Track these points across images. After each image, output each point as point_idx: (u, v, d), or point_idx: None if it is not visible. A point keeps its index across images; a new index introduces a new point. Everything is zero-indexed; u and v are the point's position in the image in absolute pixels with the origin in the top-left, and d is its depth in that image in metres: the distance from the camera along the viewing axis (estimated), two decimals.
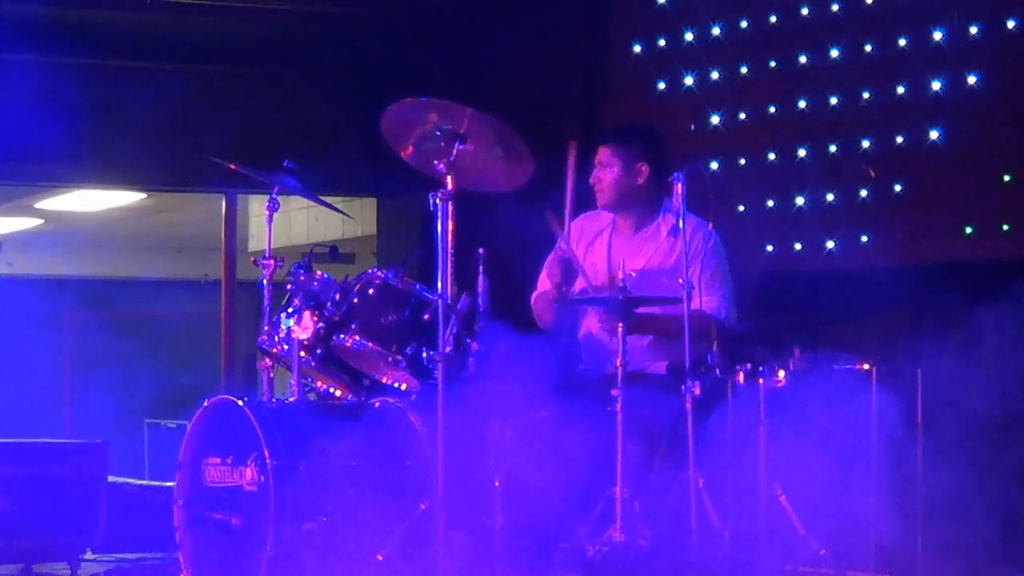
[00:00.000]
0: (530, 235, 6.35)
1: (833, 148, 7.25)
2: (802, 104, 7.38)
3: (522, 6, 8.90)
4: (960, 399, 6.06)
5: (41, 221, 14.85)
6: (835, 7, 7.26)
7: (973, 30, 6.74)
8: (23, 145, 9.14)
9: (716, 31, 7.82)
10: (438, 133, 5.70)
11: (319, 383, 6.28)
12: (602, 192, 6.26)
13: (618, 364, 5.52)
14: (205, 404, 6.07)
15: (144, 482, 8.45)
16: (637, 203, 6.25)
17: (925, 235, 6.86)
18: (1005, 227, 6.61)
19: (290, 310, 6.05)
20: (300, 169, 6.39)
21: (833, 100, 7.25)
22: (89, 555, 7.17)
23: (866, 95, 7.12)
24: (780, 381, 5.60)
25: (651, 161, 6.20)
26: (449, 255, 5.53)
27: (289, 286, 6.13)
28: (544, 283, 6.34)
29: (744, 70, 7.68)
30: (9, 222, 14.89)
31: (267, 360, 6.26)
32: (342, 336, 5.88)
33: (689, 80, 7.93)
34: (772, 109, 7.53)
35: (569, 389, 5.64)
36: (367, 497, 5.68)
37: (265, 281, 6.27)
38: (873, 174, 7.06)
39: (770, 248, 7.48)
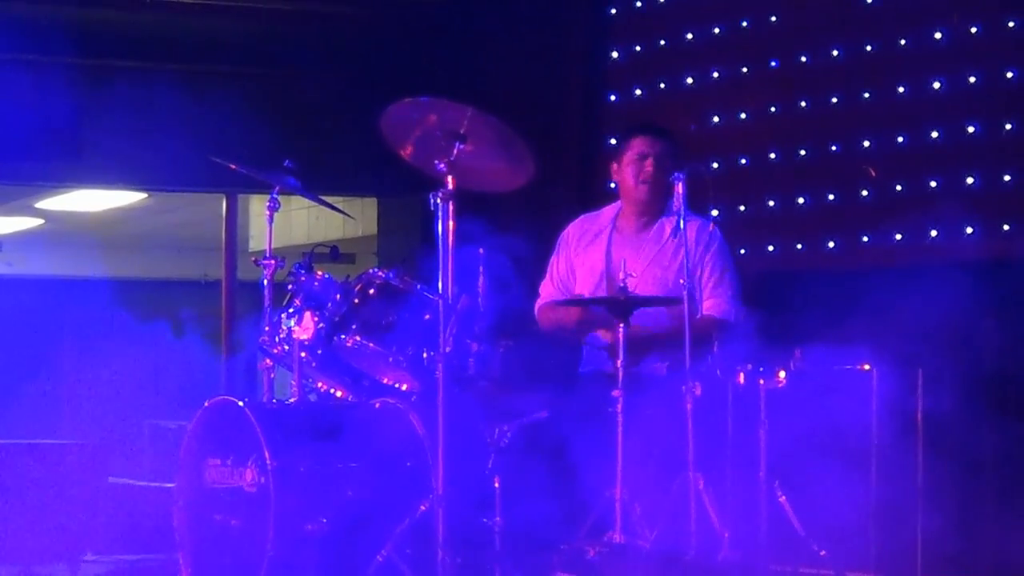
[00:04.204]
0: (531, 234, 6.35)
1: (833, 148, 7.25)
2: (802, 104, 7.38)
3: (522, 6, 8.90)
4: (960, 399, 6.07)
5: (41, 221, 14.85)
6: (836, 7, 7.26)
7: (973, 30, 6.74)
8: (23, 145, 9.13)
9: (716, 31, 7.82)
10: (438, 133, 5.69)
11: (320, 384, 6.28)
12: (659, 184, 6.16)
13: (618, 364, 5.52)
14: (205, 405, 6.07)
15: (144, 482, 8.43)
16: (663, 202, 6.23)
17: (925, 235, 6.86)
18: (1006, 227, 6.61)
19: (291, 310, 6.04)
20: (300, 169, 6.39)
21: (833, 100, 7.25)
22: (89, 556, 7.17)
23: (866, 95, 7.12)
24: (780, 381, 5.60)
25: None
26: (449, 255, 5.52)
27: (290, 286, 6.12)
28: (547, 289, 6.34)
29: (744, 70, 7.68)
30: (9, 222, 14.88)
31: (268, 360, 6.26)
32: (343, 336, 5.88)
33: (689, 80, 7.93)
34: (772, 109, 7.53)
35: (569, 389, 5.64)
36: (367, 498, 5.68)
37: (265, 281, 6.26)
38: (874, 174, 7.06)
39: (770, 248, 7.48)
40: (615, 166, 6.32)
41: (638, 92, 8.24)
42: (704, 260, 5.94)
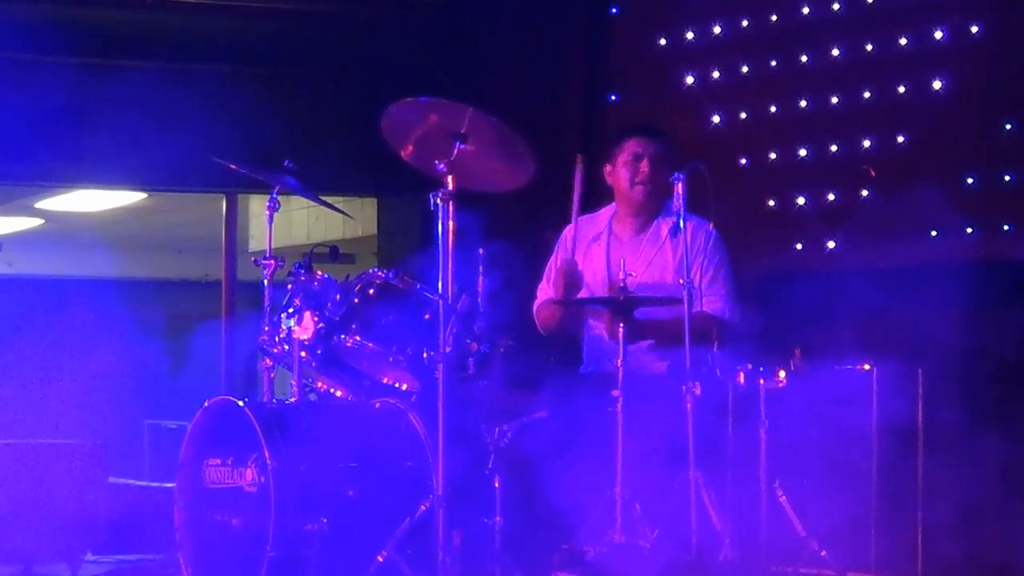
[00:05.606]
0: (531, 234, 6.35)
1: (833, 148, 7.25)
2: (802, 104, 7.38)
3: (522, 6, 8.89)
4: (959, 399, 6.07)
5: (41, 221, 14.85)
6: (836, 6, 7.26)
7: (974, 29, 6.74)
8: (23, 145, 9.13)
9: (717, 30, 7.82)
10: (438, 133, 5.69)
11: (319, 383, 6.28)
12: (655, 185, 6.17)
13: (618, 364, 5.52)
14: (205, 405, 6.07)
15: (144, 482, 8.44)
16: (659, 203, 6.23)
17: (925, 235, 6.85)
18: (1006, 227, 6.61)
19: (291, 310, 6.05)
20: (300, 169, 6.39)
21: (833, 100, 7.25)
22: (89, 556, 7.17)
23: (866, 95, 7.12)
24: (780, 381, 5.60)
25: None
26: (449, 255, 5.52)
27: (290, 286, 6.12)
28: (545, 291, 6.33)
29: (744, 70, 7.67)
30: (9, 222, 14.88)
31: (268, 360, 6.26)
32: (342, 336, 5.88)
33: (689, 80, 7.92)
34: (772, 109, 7.53)
35: (568, 390, 5.64)
36: (367, 497, 5.68)
37: (265, 281, 6.26)
38: (874, 174, 7.06)
39: (771, 248, 7.48)
40: (608, 168, 6.31)
41: (639, 92, 8.24)
42: (701, 260, 5.93)
